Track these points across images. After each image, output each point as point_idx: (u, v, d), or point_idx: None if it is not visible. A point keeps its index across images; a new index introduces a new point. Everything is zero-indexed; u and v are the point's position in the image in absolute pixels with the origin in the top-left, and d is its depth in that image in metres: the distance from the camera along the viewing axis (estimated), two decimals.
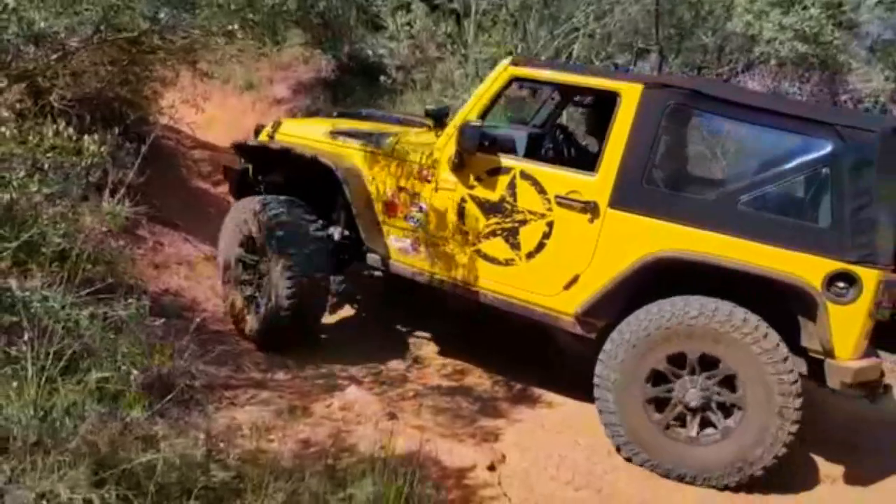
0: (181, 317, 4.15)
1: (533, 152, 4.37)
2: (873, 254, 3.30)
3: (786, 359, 3.36)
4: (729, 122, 3.78)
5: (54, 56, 2.78)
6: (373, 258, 4.33)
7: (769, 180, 3.52)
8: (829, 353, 3.40)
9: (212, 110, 6.32)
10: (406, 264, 4.24)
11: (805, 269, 3.33)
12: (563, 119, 5.70)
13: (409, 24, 9.16)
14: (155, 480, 2.32)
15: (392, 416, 3.58)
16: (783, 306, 3.48)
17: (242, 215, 4.36)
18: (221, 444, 2.81)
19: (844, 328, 3.34)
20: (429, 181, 4.09)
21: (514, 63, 4.03)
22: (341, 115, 5.30)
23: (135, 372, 2.57)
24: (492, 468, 3.36)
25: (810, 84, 9.51)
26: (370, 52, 9.51)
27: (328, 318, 4.99)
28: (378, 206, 4.28)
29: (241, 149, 4.80)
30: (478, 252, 3.98)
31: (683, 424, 3.53)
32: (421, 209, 4.12)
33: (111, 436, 2.46)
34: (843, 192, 3.35)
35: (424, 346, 4.78)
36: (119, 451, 2.43)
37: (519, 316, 3.98)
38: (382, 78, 8.79)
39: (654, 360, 3.52)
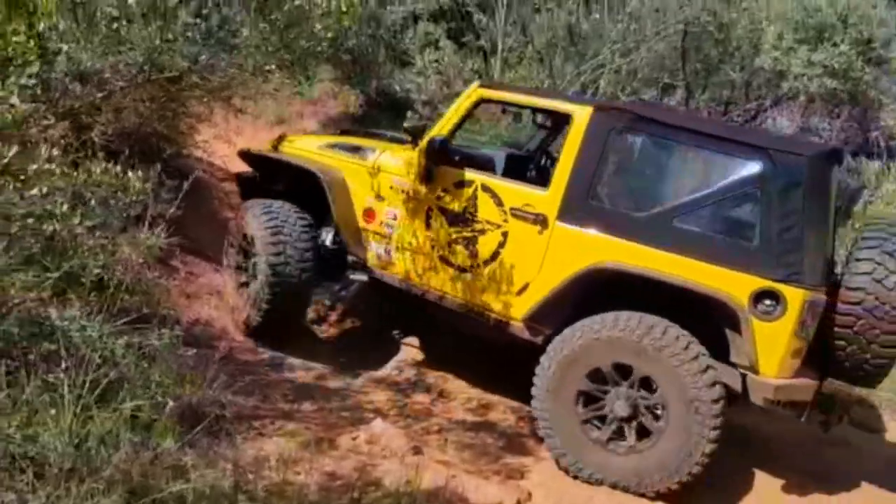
0: (211, 346, 4.21)
1: (512, 173, 4.58)
2: (799, 273, 3.43)
3: (687, 346, 3.48)
4: (670, 143, 3.91)
5: (99, 94, 2.90)
6: (352, 261, 4.61)
7: (704, 199, 3.70)
8: (754, 369, 3.51)
9: (244, 144, 6.45)
10: (380, 268, 4.52)
11: (733, 285, 3.47)
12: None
13: (436, 60, 9.30)
14: None
15: (417, 451, 3.57)
16: (716, 322, 3.59)
17: (241, 215, 4.79)
18: (249, 476, 2.84)
19: (769, 345, 3.46)
20: (403, 192, 4.38)
21: (483, 85, 4.40)
22: (344, 133, 5.62)
23: (171, 403, 2.61)
24: None
25: (840, 120, 9.45)
26: (398, 88, 9.65)
27: (340, 332, 5.16)
28: (359, 213, 4.58)
29: (246, 157, 5.15)
30: (441, 259, 4.25)
31: (622, 437, 3.66)
32: (395, 217, 4.41)
33: (143, 465, 2.50)
34: (772, 213, 3.52)
35: (450, 379, 4.78)
36: (150, 481, 2.47)
37: (475, 322, 4.18)
38: (409, 113, 8.91)
39: (575, 381, 3.68)
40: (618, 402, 3.62)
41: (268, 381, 4.20)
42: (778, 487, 3.95)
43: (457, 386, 4.70)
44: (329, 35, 3.15)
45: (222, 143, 6.00)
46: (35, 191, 2.24)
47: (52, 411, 2.47)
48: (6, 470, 2.26)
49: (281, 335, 4.66)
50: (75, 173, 2.35)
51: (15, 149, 2.39)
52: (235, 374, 3.84)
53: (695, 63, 10.05)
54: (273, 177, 4.96)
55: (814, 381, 3.70)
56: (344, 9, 3.12)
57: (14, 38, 2.07)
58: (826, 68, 8.72)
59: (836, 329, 3.59)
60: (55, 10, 2.48)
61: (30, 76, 2.15)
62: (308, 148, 4.92)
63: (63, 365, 2.60)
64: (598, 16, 9.04)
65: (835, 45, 8.68)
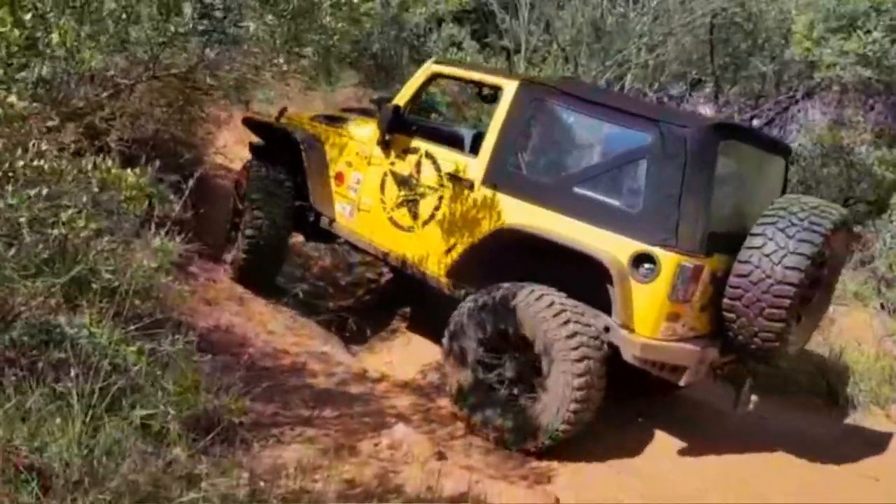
0: (231, 353, 4.13)
1: (477, 150, 4.62)
2: (673, 238, 3.61)
3: (551, 305, 3.67)
4: (580, 115, 4.15)
5: (105, 94, 2.84)
6: (322, 221, 4.99)
7: (601, 167, 4.00)
8: (629, 328, 3.70)
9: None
10: (345, 228, 4.94)
11: (617, 248, 3.70)
12: None
13: (460, 61, 9.22)
14: None
15: (441, 456, 3.47)
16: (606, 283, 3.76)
17: (241, 174, 5.24)
18: (264, 484, 2.74)
19: (644, 306, 3.66)
20: (365, 158, 4.82)
21: (437, 62, 4.89)
22: (344, 111, 5.91)
23: (171, 411, 2.52)
24: None
25: (874, 112, 9.15)
26: None
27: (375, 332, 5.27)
28: (332, 177, 4.99)
29: (249, 124, 5.55)
30: (390, 219, 4.64)
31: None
32: (359, 181, 4.84)
33: (153, 475, 2.41)
34: (655, 181, 3.73)
35: None
36: (161, 491, 2.38)
37: (417, 280, 4.52)
38: (433, 115, 8.83)
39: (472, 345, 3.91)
40: (508, 365, 3.88)
41: (287, 387, 4.10)
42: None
43: None
44: (339, 25, 3.06)
45: (242, 148, 5.97)
46: (35, 191, 2.16)
47: (59, 420, 2.39)
48: (10, 482, 2.19)
49: (258, 281, 5.08)
50: (66, 168, 2.26)
51: (18, 151, 2.34)
52: (254, 380, 3.75)
53: (723, 56, 9.83)
54: (278, 145, 5.25)
55: (700, 349, 3.77)
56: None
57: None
58: (859, 57, 8.41)
59: (726, 301, 3.73)
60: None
61: (25, 73, 2.08)
62: (301, 119, 5.40)
63: (72, 373, 2.53)
64: (623, 10, 8.85)
65: (868, 32, 8.36)
